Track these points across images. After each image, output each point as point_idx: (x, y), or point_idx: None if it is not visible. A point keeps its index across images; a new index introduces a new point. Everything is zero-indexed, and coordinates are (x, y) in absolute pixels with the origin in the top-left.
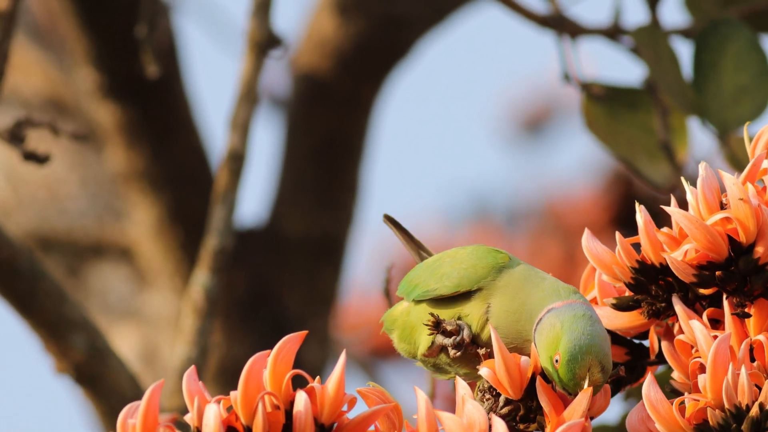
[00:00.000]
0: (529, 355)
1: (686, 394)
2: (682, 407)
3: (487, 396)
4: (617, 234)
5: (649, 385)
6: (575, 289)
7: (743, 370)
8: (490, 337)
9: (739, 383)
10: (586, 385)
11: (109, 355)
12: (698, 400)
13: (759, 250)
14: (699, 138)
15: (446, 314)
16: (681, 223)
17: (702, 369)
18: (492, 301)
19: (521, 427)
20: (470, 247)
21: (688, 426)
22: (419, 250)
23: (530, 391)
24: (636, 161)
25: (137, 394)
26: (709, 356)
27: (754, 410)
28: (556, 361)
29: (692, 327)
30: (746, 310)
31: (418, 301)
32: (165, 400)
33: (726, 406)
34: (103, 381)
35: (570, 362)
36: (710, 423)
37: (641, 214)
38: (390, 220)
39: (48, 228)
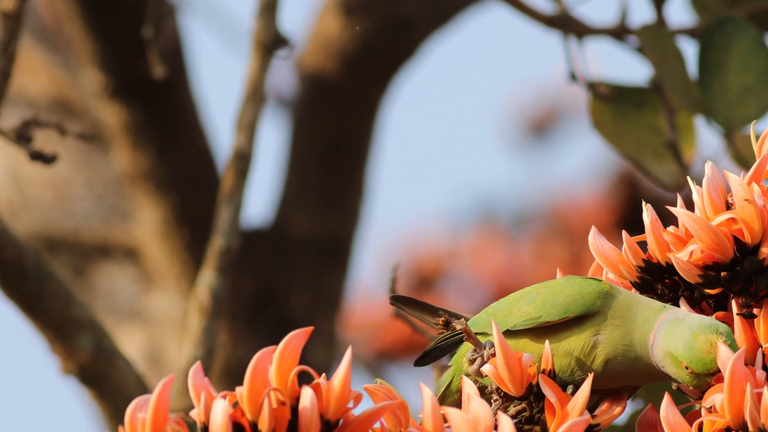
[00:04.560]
0: (638, 384)
1: (703, 412)
2: (698, 423)
3: (495, 397)
4: (624, 233)
5: (666, 408)
6: (663, 305)
7: (766, 390)
8: (588, 369)
9: (762, 405)
10: (718, 359)
11: (115, 355)
12: (716, 420)
13: (765, 250)
14: (705, 137)
15: (536, 347)
16: (686, 224)
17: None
18: (603, 331)
19: (526, 428)
20: (564, 278)
21: None
22: (447, 315)
23: (537, 395)
24: (643, 160)
25: (144, 395)
26: (726, 376)
27: None
28: (686, 368)
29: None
30: (752, 310)
31: (509, 332)
32: (172, 401)
33: (750, 429)
34: (110, 382)
35: (694, 358)
36: None
37: (648, 213)
38: (399, 300)
39: (54, 229)
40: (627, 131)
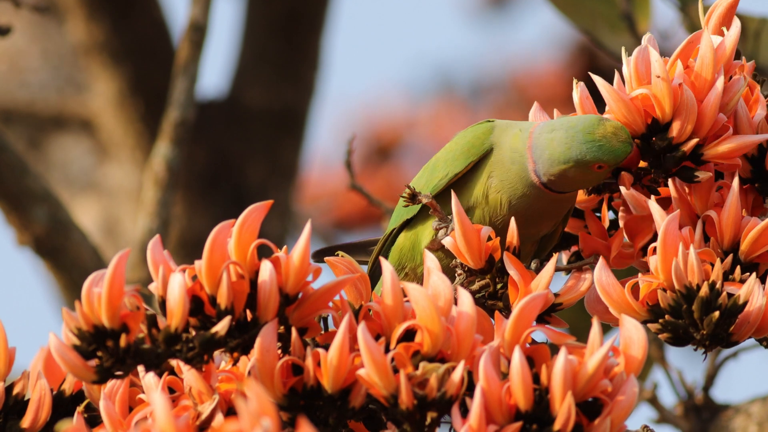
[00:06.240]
0: (551, 221)
1: (639, 275)
2: (636, 288)
3: (459, 271)
4: (555, 111)
5: (600, 270)
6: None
7: (692, 249)
8: (499, 214)
9: (689, 263)
10: (624, 136)
11: (70, 227)
12: (651, 282)
13: (674, 129)
14: (660, 8)
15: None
16: (602, 94)
17: (654, 251)
18: (494, 169)
19: (489, 303)
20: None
21: (642, 308)
22: (369, 246)
23: (500, 270)
24: (597, 32)
25: (99, 267)
26: (659, 237)
27: (704, 290)
28: (600, 168)
29: (651, 208)
30: (664, 183)
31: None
32: (127, 273)
33: (676, 287)
34: (65, 253)
35: (598, 143)
36: (661, 305)
37: (578, 90)
38: (324, 253)
39: (9, 100)
40: (582, 3)
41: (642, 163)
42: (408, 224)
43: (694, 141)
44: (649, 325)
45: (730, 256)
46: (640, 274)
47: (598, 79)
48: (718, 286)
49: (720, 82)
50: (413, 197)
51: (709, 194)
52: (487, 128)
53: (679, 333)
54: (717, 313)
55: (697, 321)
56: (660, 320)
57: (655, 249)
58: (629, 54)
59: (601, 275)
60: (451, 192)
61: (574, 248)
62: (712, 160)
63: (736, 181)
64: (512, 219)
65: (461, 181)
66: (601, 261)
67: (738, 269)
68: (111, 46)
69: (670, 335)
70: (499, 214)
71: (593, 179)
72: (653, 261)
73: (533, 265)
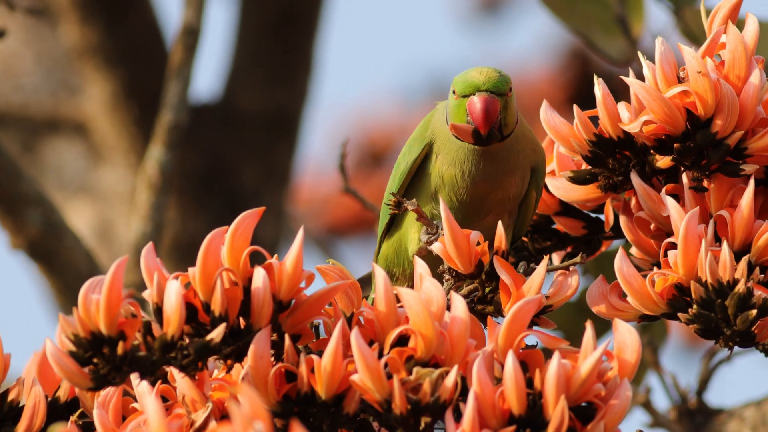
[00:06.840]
0: (488, 177)
1: (655, 269)
2: (651, 278)
3: (447, 276)
4: (575, 107)
5: (621, 260)
6: None
7: (725, 245)
8: (454, 184)
9: (722, 258)
10: (480, 76)
11: (64, 230)
12: (667, 276)
13: (717, 123)
14: (654, 12)
15: (423, 188)
16: (639, 95)
17: (669, 246)
18: (439, 149)
19: (479, 308)
20: None
21: (661, 301)
22: None
23: (489, 274)
24: (592, 35)
25: (92, 270)
26: (680, 232)
27: (740, 287)
28: (453, 92)
29: (666, 204)
30: (703, 184)
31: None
32: None
33: (708, 280)
34: (59, 257)
35: (460, 77)
36: (693, 297)
37: (600, 87)
38: None
39: (2, 104)
40: (576, 6)
41: (663, 164)
42: (389, 231)
43: (739, 134)
44: (680, 314)
45: (746, 258)
46: (655, 268)
47: (632, 81)
48: (750, 284)
49: (756, 75)
50: (398, 205)
51: (728, 193)
52: (432, 112)
53: (711, 326)
54: (755, 311)
55: (731, 317)
56: (690, 310)
57: (669, 245)
58: (628, 59)
59: (622, 265)
60: (441, 202)
61: (569, 249)
62: (756, 154)
63: (751, 183)
64: (499, 223)
65: (421, 170)
66: (621, 252)
67: (757, 270)
68: (104, 49)
69: (701, 327)
70: (460, 188)
71: (459, 113)
72: (672, 256)
73: (521, 269)
